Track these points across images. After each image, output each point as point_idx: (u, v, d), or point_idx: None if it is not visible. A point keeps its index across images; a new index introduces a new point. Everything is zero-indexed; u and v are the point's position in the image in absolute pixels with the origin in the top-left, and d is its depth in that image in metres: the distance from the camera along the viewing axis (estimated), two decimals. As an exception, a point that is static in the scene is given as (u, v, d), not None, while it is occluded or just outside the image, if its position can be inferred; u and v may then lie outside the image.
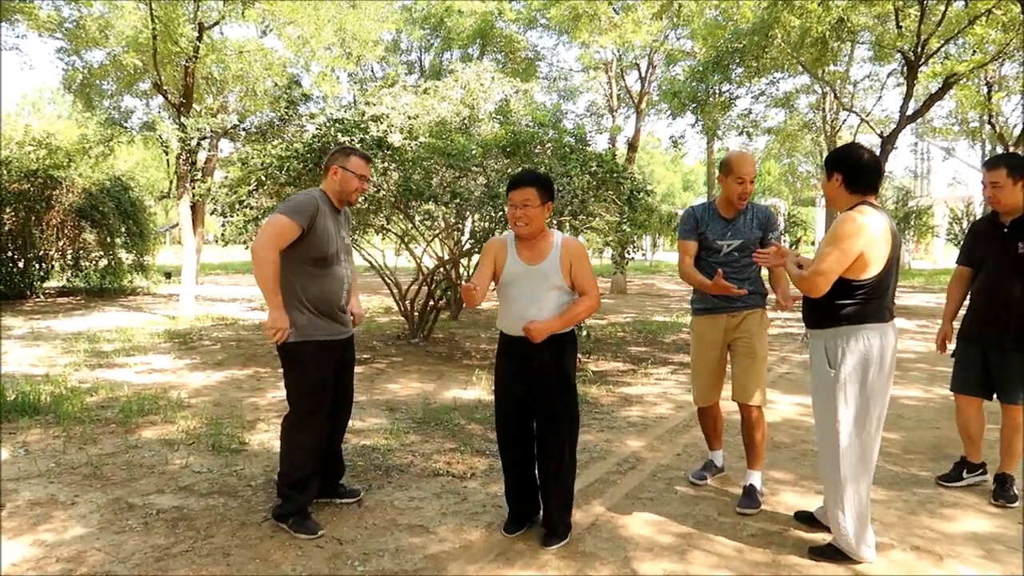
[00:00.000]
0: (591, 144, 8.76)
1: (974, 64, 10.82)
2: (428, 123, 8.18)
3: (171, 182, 12.94)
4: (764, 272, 3.58)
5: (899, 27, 11.42)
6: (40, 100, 45.44)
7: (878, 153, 10.00)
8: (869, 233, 2.66)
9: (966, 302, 3.75)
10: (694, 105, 13.79)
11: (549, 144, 7.53)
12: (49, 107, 44.16)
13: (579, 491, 3.41)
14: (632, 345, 8.66)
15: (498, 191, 6.65)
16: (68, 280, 14.65)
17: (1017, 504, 3.43)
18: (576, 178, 6.70)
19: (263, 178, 6.87)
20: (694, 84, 13.59)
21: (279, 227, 2.99)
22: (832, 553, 2.84)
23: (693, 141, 33.97)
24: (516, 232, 3.00)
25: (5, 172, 12.36)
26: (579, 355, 5.11)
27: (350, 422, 3.59)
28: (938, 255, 32.74)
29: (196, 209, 13.13)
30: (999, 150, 17.66)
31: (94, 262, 14.64)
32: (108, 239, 14.10)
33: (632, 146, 18.51)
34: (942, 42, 11.35)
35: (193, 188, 10.94)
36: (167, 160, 12.56)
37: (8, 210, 12.62)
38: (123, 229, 14.39)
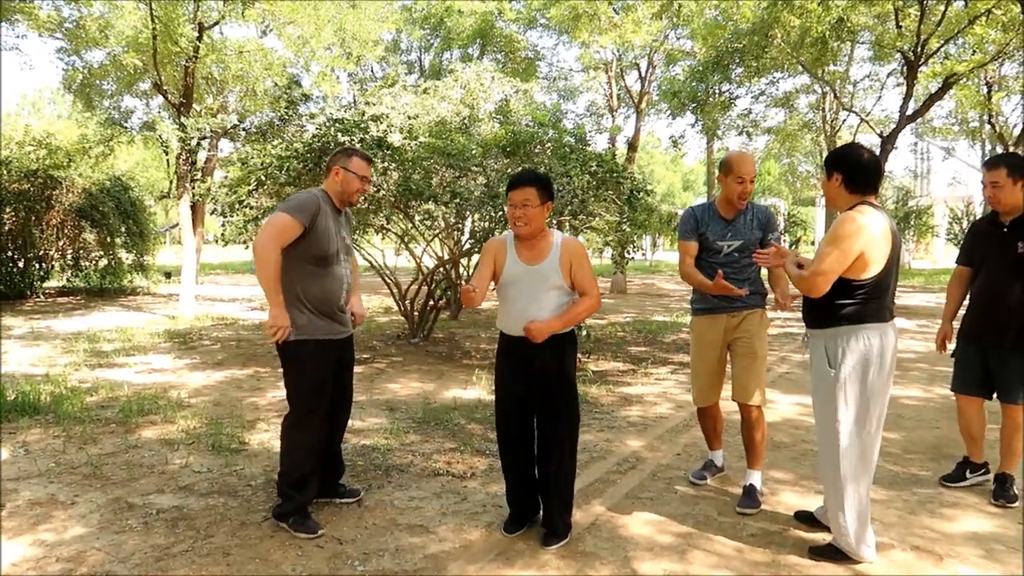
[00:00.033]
0: (591, 144, 8.76)
1: (974, 64, 10.82)
2: (428, 123, 8.18)
3: (171, 182, 12.94)
4: (763, 272, 3.57)
5: (899, 27, 11.42)
6: (40, 100, 45.46)
7: (878, 153, 9.99)
8: (869, 233, 2.66)
9: (966, 302, 3.75)
10: (694, 105, 13.79)
11: (549, 144, 7.53)
12: (49, 107, 44.18)
13: (579, 491, 3.41)
14: (632, 345, 8.66)
15: (498, 191, 6.65)
16: (68, 280, 14.66)
17: (1017, 504, 3.43)
18: (576, 178, 6.70)
19: (263, 178, 6.87)
20: (694, 84, 13.59)
21: (281, 225, 3.00)
22: (832, 553, 2.84)
23: (693, 141, 34.03)
24: (516, 232, 3.00)
25: (5, 172, 12.36)
26: (579, 355, 5.11)
27: (350, 422, 3.59)
28: (938, 255, 32.74)
29: (196, 209, 13.14)
30: (999, 150, 17.66)
31: (94, 262, 14.65)
32: (108, 239, 14.10)
33: (632, 146, 18.52)
34: (942, 42, 11.36)
35: (193, 188, 10.95)
36: (167, 160, 12.56)
37: (8, 210, 12.62)
38: (123, 229, 14.39)
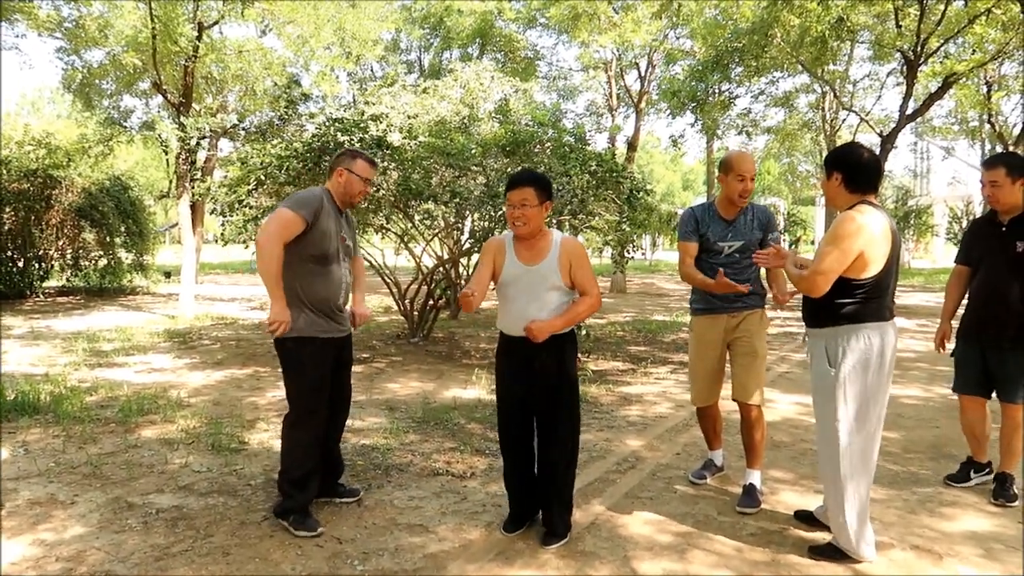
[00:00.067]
0: (590, 143, 8.76)
1: (973, 63, 10.82)
2: (427, 122, 8.18)
3: (171, 181, 12.92)
4: (762, 272, 3.57)
5: (899, 26, 11.42)
6: (39, 100, 45.42)
7: (878, 152, 9.99)
8: (869, 232, 2.66)
9: (965, 301, 3.75)
10: (693, 104, 13.79)
11: (548, 143, 7.53)
12: (48, 107, 44.14)
13: (579, 490, 3.41)
14: (632, 344, 8.66)
15: (497, 190, 6.65)
16: (68, 280, 14.65)
17: (1017, 503, 3.43)
18: (576, 177, 6.70)
19: (262, 177, 6.87)
20: (693, 83, 13.59)
21: (284, 220, 3.01)
22: (832, 552, 2.84)
23: (692, 140, 34.12)
24: (514, 232, 3.00)
25: (5, 172, 12.35)
26: (579, 354, 5.11)
27: (349, 421, 3.60)
28: (937, 254, 32.76)
29: (196, 208, 13.13)
30: (999, 149, 17.67)
31: (94, 262, 14.65)
32: (108, 239, 14.10)
33: (631, 145, 18.52)
34: (942, 41, 11.36)
35: (192, 187, 10.94)
36: (167, 160, 12.55)
37: (8, 210, 12.62)
38: (123, 228, 14.39)
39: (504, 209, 3.24)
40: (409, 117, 8.33)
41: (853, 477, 2.76)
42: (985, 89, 15.99)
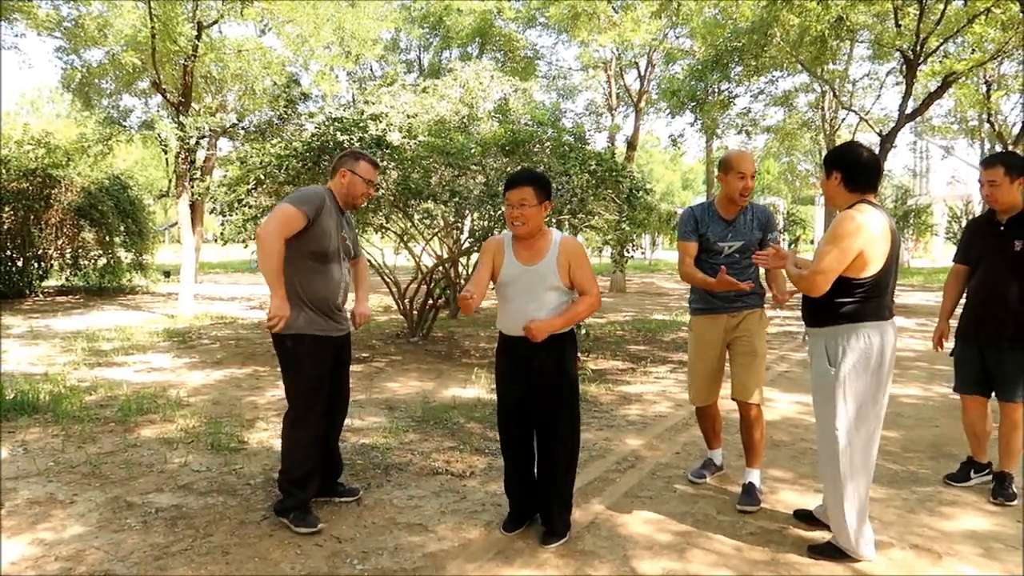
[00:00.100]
0: (590, 143, 8.76)
1: (973, 63, 10.83)
2: (427, 122, 8.17)
3: (170, 181, 12.92)
4: (761, 271, 3.57)
5: (898, 26, 11.42)
6: (39, 99, 45.38)
7: (877, 152, 10.00)
8: (868, 232, 2.66)
9: (963, 300, 3.75)
10: (693, 104, 13.79)
11: (548, 143, 7.53)
12: (48, 106, 44.10)
13: (578, 490, 3.41)
14: (631, 344, 8.66)
15: (497, 190, 6.65)
16: (67, 279, 14.65)
17: (1016, 502, 3.43)
18: (575, 177, 6.69)
19: (262, 177, 6.87)
20: (693, 83, 13.59)
21: (286, 215, 3.02)
22: (831, 551, 2.84)
23: (692, 140, 34.09)
24: (513, 232, 2.99)
25: (4, 171, 12.34)
26: (579, 354, 5.12)
27: (349, 420, 3.60)
28: (937, 254, 32.76)
29: (195, 208, 13.10)
30: (998, 148, 17.67)
31: (93, 261, 14.65)
32: (107, 238, 14.10)
33: (631, 145, 18.51)
34: (941, 41, 11.36)
35: (192, 187, 10.94)
36: (166, 159, 12.54)
37: (7, 209, 12.62)
38: (122, 228, 14.39)
39: (503, 209, 3.24)
40: (408, 116, 8.32)
41: (853, 476, 2.76)
42: (984, 88, 16.00)
